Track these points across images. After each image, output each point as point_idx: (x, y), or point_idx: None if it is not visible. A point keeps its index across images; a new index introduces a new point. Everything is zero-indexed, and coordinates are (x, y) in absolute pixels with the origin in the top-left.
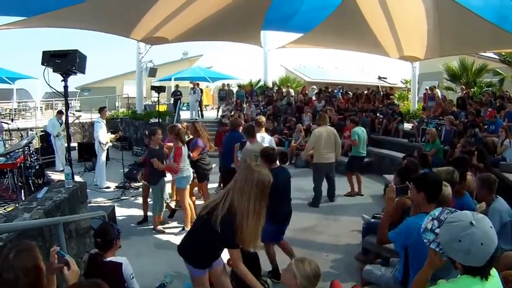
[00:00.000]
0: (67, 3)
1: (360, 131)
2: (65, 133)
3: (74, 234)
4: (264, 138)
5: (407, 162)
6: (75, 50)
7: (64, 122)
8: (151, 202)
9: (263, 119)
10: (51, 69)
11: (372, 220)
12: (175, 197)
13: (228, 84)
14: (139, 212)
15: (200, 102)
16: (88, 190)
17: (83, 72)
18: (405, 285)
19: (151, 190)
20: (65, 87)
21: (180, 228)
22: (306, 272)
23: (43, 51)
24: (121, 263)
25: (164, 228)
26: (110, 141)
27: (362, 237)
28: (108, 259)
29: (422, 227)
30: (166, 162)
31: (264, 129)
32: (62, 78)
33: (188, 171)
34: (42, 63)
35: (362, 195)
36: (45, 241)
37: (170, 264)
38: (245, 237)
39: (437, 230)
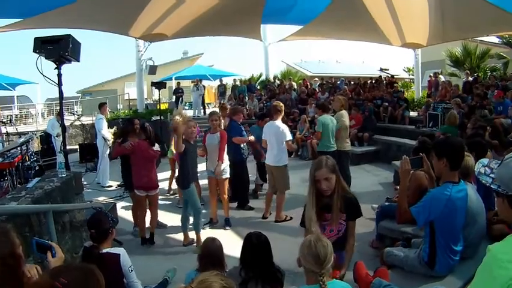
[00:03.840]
0: (62, 2)
1: (329, 119)
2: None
3: (68, 227)
4: (280, 126)
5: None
6: (68, 35)
7: (59, 112)
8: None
9: (281, 104)
10: (44, 56)
11: (387, 203)
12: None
13: (220, 79)
14: None
15: (203, 100)
16: (89, 190)
17: (78, 60)
18: (432, 265)
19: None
20: (59, 75)
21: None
22: (305, 252)
23: (35, 38)
24: (119, 254)
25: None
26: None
27: (376, 223)
28: (104, 251)
29: (475, 170)
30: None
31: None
32: (56, 66)
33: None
34: (34, 51)
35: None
36: (33, 231)
37: (173, 260)
38: None
39: (491, 175)
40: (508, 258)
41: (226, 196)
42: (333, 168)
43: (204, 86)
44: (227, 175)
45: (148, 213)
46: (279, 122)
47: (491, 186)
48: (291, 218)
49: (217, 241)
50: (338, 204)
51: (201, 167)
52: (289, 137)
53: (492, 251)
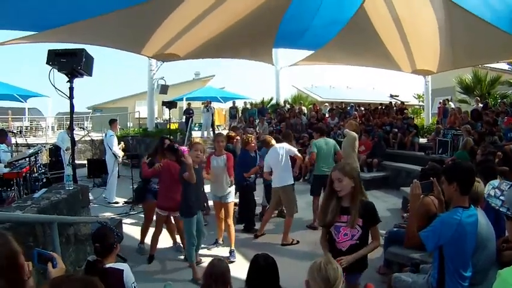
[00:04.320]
0: (77, 17)
1: (323, 143)
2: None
3: (73, 240)
4: (279, 148)
5: (430, 165)
6: (81, 49)
7: (69, 126)
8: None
9: (269, 138)
10: (57, 69)
11: (395, 229)
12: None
13: (233, 101)
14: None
15: (212, 122)
16: (95, 205)
17: (90, 74)
18: None
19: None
20: (71, 88)
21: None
22: (314, 274)
23: (49, 50)
24: (122, 270)
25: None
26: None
27: (384, 249)
28: (108, 266)
29: (485, 193)
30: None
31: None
32: (68, 79)
33: None
34: (47, 63)
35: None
36: (37, 242)
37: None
38: None
39: (501, 197)
40: None
41: (231, 222)
42: (346, 171)
43: (213, 108)
44: (233, 199)
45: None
46: (277, 145)
47: (501, 209)
48: (298, 242)
49: (225, 263)
50: (356, 207)
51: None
52: (295, 151)
53: (502, 276)
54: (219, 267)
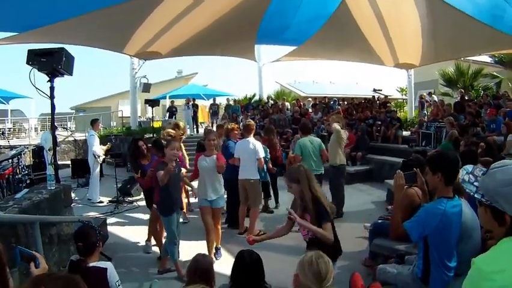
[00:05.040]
0: (58, 18)
1: (307, 141)
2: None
3: (56, 239)
4: (252, 143)
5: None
6: (61, 48)
7: (51, 125)
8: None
9: (252, 123)
10: (37, 69)
11: (380, 221)
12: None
13: (214, 98)
14: (133, 227)
15: (196, 119)
16: (80, 205)
17: (71, 73)
18: (426, 282)
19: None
20: (51, 88)
21: None
22: (305, 268)
23: (28, 50)
24: (106, 268)
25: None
26: (104, 154)
27: (369, 241)
28: (91, 264)
29: (460, 177)
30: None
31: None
32: (48, 79)
33: None
34: (27, 62)
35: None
36: (19, 242)
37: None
38: None
39: (475, 183)
40: (492, 270)
41: (220, 226)
42: (291, 178)
43: (196, 105)
44: (224, 203)
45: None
46: (251, 139)
47: (475, 195)
48: (265, 233)
49: (209, 257)
50: (306, 206)
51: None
52: (261, 154)
53: (476, 263)
54: (204, 263)
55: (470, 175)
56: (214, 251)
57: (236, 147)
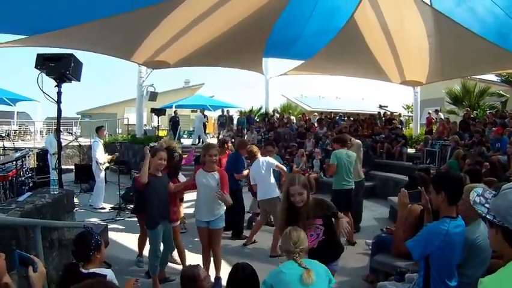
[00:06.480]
0: (68, 23)
1: (344, 154)
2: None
3: (57, 244)
4: (262, 161)
5: (417, 175)
6: (70, 54)
7: (57, 129)
8: None
9: (255, 149)
10: (45, 73)
11: (383, 235)
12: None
13: (227, 110)
14: (134, 235)
15: (204, 130)
16: (82, 210)
17: (78, 80)
18: None
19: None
20: (59, 93)
21: None
22: (283, 238)
23: (38, 54)
24: (106, 275)
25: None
26: (108, 162)
27: (371, 256)
28: (91, 270)
29: (471, 199)
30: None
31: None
32: (56, 84)
33: None
34: (36, 67)
35: (354, 243)
36: (19, 245)
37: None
38: None
39: (486, 205)
40: None
41: (219, 250)
42: (304, 185)
43: (206, 116)
44: (223, 224)
45: None
46: (260, 158)
47: (487, 216)
48: None
49: (199, 269)
50: (307, 212)
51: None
52: (275, 162)
53: (484, 284)
54: (187, 270)
55: (481, 197)
56: (214, 282)
57: (250, 172)
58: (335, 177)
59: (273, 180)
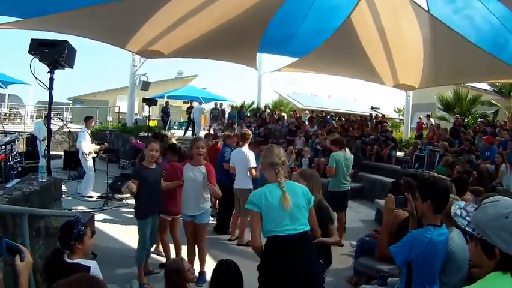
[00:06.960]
0: (64, 7)
1: (342, 156)
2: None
3: (43, 232)
4: (245, 152)
5: (404, 180)
6: (64, 41)
7: (47, 116)
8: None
9: (249, 132)
10: (38, 59)
11: (367, 238)
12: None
13: (220, 103)
14: (120, 226)
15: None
16: (69, 197)
17: (71, 66)
18: None
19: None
20: (51, 79)
21: None
22: (265, 154)
23: (32, 39)
24: (89, 267)
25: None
26: (95, 152)
27: (355, 257)
28: (75, 261)
29: (452, 212)
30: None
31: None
32: (49, 70)
33: None
34: (29, 52)
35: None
36: (6, 232)
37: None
38: None
39: (467, 218)
40: None
41: (204, 245)
42: (305, 175)
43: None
44: (209, 219)
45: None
46: (245, 148)
47: (466, 228)
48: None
49: (183, 261)
50: None
51: None
52: (253, 163)
53: None
54: (171, 264)
55: (462, 210)
56: (198, 276)
57: (231, 156)
58: (332, 179)
59: (248, 172)
